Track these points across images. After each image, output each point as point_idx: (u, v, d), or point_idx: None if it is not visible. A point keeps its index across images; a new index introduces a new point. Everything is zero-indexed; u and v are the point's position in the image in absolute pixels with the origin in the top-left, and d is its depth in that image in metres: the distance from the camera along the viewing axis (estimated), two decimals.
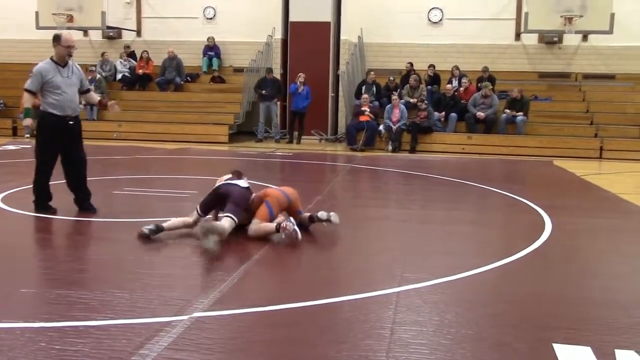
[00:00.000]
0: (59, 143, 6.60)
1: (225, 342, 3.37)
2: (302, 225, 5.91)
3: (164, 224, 5.70)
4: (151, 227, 5.59)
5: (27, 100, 6.64)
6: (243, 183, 5.88)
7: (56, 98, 6.50)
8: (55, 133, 6.54)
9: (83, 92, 6.90)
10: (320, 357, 3.20)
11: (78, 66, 6.84)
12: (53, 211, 6.61)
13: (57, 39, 6.58)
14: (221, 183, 5.91)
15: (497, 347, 3.37)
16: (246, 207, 5.75)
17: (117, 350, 3.16)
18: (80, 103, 6.99)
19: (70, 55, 6.59)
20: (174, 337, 3.35)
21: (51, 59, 6.61)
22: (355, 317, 3.73)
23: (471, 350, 3.31)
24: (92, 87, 7.38)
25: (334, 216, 5.93)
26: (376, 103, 15.83)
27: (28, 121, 6.69)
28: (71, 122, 6.61)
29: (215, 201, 5.81)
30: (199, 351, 3.19)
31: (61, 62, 6.58)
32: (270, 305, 3.90)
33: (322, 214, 5.92)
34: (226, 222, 5.42)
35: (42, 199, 6.70)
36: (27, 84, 6.60)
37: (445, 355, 3.24)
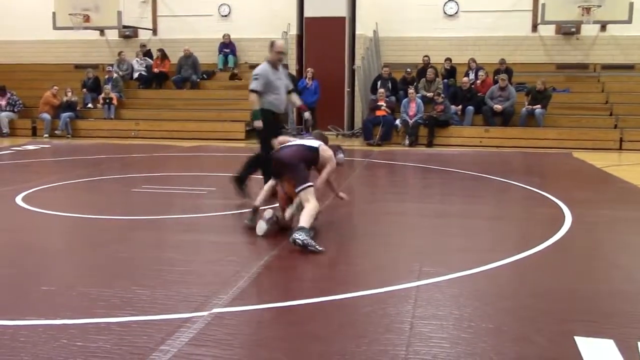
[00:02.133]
0: (274, 132, 7.11)
1: (245, 338, 3.38)
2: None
3: (256, 203, 5.91)
4: (250, 217, 5.83)
5: (255, 102, 7.17)
6: (303, 141, 5.93)
7: (275, 97, 7.22)
8: (271, 127, 7.23)
9: (287, 92, 7.50)
10: (339, 352, 3.19)
11: (284, 69, 7.52)
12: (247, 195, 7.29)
13: (271, 45, 7.26)
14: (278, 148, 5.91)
15: (518, 340, 3.35)
16: (308, 160, 5.65)
17: (138, 347, 3.18)
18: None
19: (280, 61, 7.36)
20: (194, 333, 3.37)
21: (267, 62, 7.24)
22: (375, 312, 3.72)
23: (492, 344, 3.29)
24: (290, 87, 7.68)
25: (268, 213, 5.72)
26: (392, 98, 15.76)
27: (259, 123, 7.22)
28: (281, 117, 7.50)
29: (278, 168, 5.76)
30: (219, 347, 3.21)
31: (275, 65, 7.24)
32: (289, 300, 3.91)
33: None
34: (306, 200, 5.38)
35: (244, 179, 7.54)
36: (254, 85, 7.16)
37: (466, 349, 3.23)
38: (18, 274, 4.57)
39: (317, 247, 5.05)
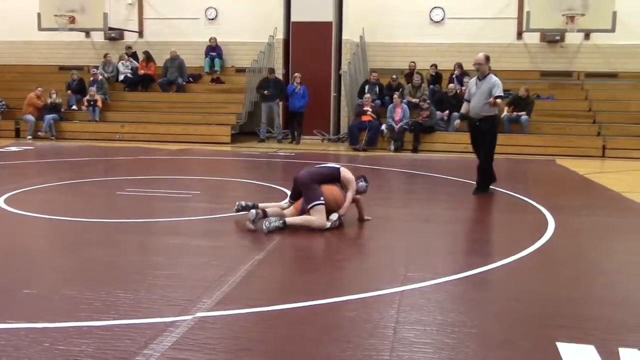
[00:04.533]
0: (473, 136, 8.64)
1: (229, 342, 3.37)
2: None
3: (260, 204, 6.33)
4: (245, 203, 6.26)
5: (463, 107, 8.89)
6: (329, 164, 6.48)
7: (470, 104, 8.45)
8: (470, 129, 8.72)
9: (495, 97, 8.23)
10: (323, 356, 3.20)
11: (494, 79, 8.29)
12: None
13: None
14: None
15: (501, 345, 3.37)
16: (323, 180, 6.13)
17: (121, 350, 3.16)
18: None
19: (477, 71, 8.46)
20: (178, 337, 3.35)
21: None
22: (359, 317, 3.73)
23: (475, 349, 3.31)
24: (494, 94, 8.25)
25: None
26: (378, 102, 15.81)
27: (457, 122, 9.41)
28: (477, 123, 8.45)
29: (295, 189, 6.23)
30: (202, 351, 3.20)
31: (479, 76, 8.41)
32: (274, 305, 3.90)
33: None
34: (314, 215, 5.88)
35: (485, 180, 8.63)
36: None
37: (449, 354, 3.24)
38: (0, 277, 4.52)
39: (270, 226, 5.72)
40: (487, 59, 8.41)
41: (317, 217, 5.89)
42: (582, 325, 3.66)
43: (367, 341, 3.38)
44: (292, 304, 3.91)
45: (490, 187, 8.68)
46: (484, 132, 8.45)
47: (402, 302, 4.01)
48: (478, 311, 3.91)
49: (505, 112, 15.09)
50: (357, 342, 3.36)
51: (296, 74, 16.05)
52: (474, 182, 8.98)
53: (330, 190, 6.14)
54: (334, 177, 6.25)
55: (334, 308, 3.91)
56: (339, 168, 6.34)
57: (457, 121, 9.05)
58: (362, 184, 6.46)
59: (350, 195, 6.21)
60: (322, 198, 5.94)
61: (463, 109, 8.89)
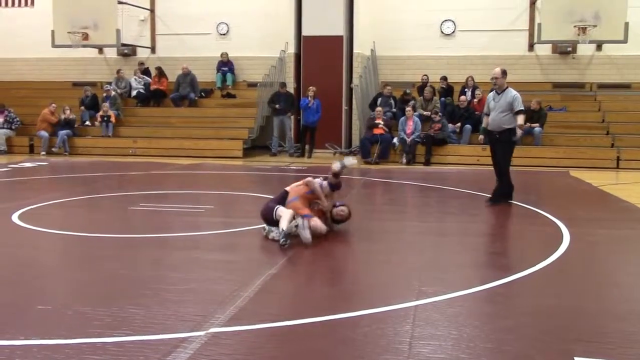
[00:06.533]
0: (492, 148, 8.83)
1: (242, 358, 3.35)
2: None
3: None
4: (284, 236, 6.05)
5: (484, 121, 9.10)
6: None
7: (489, 117, 8.70)
8: (489, 141, 8.89)
9: (514, 113, 8.47)
10: None
11: (513, 93, 8.55)
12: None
13: None
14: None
15: None
16: (277, 200, 6.47)
17: None
18: None
19: (494, 85, 8.67)
20: (191, 353, 3.34)
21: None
22: (373, 332, 3.70)
23: None
24: (516, 109, 8.52)
25: (347, 160, 6.59)
26: (389, 114, 15.79)
27: (481, 137, 9.56)
28: (497, 135, 8.64)
29: (268, 222, 6.35)
30: None
31: (496, 90, 8.66)
32: (287, 320, 3.88)
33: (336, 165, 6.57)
34: (280, 216, 6.17)
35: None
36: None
37: None
38: (14, 292, 4.54)
39: (283, 237, 5.80)
40: (504, 73, 8.63)
41: (284, 213, 6.12)
42: (600, 340, 3.61)
43: (382, 356, 3.35)
44: (305, 319, 3.89)
45: (505, 198, 8.76)
46: (502, 143, 8.67)
47: (416, 316, 3.97)
48: (493, 326, 3.86)
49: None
50: (372, 358, 3.32)
51: (310, 87, 16.04)
52: (488, 195, 8.94)
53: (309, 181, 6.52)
54: (285, 195, 6.47)
55: (347, 323, 3.88)
56: (286, 189, 6.59)
57: (481, 136, 9.37)
58: (335, 168, 6.65)
59: (320, 192, 6.50)
60: (277, 206, 6.29)
61: (484, 123, 9.13)
